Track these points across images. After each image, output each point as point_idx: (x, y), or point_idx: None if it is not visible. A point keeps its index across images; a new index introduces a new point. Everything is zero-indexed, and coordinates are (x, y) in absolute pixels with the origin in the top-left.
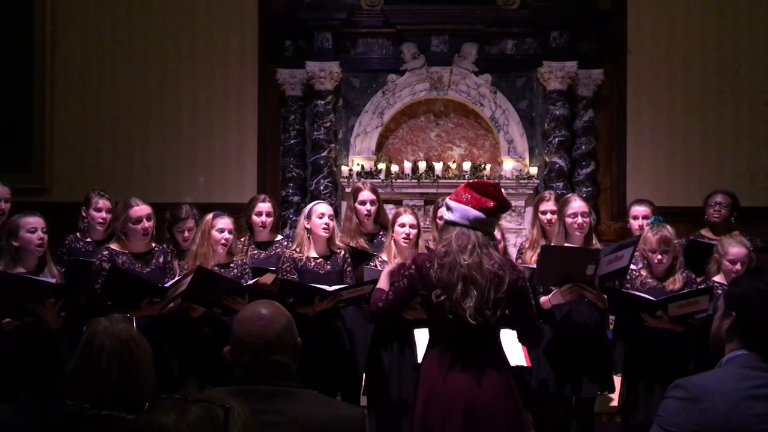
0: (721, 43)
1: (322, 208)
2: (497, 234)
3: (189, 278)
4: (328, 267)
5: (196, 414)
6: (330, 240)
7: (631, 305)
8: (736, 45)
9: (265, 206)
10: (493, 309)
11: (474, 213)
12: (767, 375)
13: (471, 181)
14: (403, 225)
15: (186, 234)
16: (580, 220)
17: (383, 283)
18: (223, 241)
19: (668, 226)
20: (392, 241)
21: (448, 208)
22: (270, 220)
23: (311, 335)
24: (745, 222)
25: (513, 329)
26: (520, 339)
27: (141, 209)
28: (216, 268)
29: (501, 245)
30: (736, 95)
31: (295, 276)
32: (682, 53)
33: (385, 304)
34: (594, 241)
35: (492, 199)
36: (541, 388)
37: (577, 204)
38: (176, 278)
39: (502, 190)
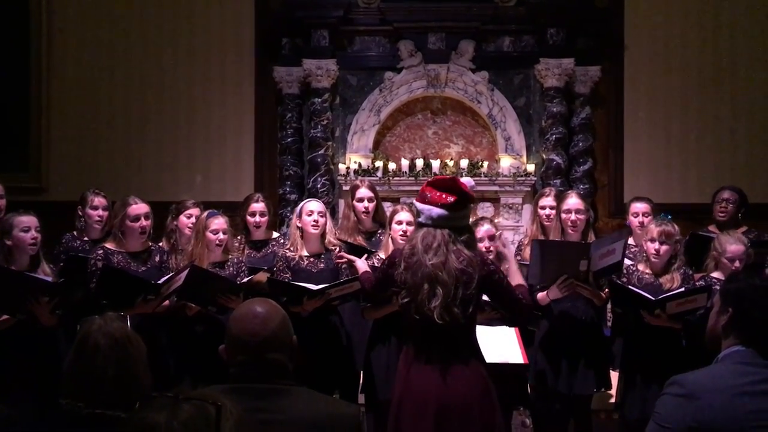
0: (718, 39)
1: (311, 205)
2: (492, 230)
3: (183, 274)
4: (322, 265)
5: (187, 412)
6: (323, 237)
7: (632, 301)
8: (733, 40)
9: (258, 206)
10: (462, 306)
11: (437, 211)
12: (764, 371)
13: (430, 179)
14: (400, 222)
15: (194, 220)
16: (573, 216)
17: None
18: (217, 242)
19: (674, 224)
20: (390, 239)
21: (417, 212)
22: (264, 219)
23: (309, 333)
24: (747, 218)
25: (504, 322)
26: (510, 322)
27: (139, 207)
28: (211, 267)
29: (497, 243)
30: (733, 91)
31: (288, 275)
32: (680, 49)
33: (371, 288)
34: (590, 238)
35: (451, 194)
36: (538, 385)
37: (572, 201)
38: (170, 275)
39: (467, 181)
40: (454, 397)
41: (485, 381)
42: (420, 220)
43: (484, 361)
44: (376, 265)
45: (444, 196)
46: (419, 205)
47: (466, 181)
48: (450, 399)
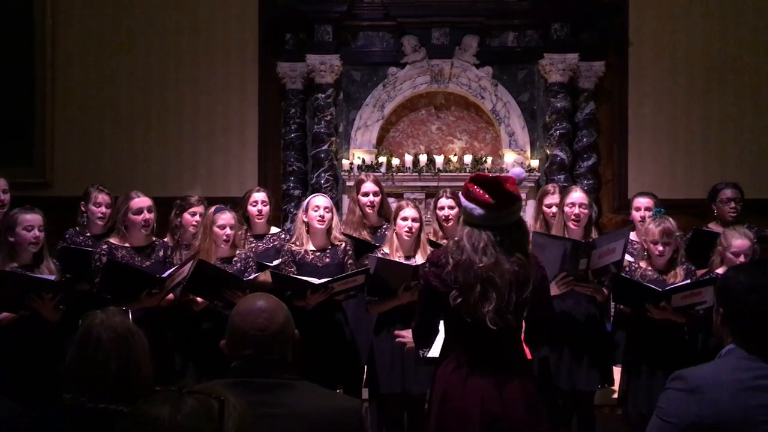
0: (724, 34)
1: (318, 200)
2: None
3: (187, 266)
4: (327, 260)
5: (191, 406)
6: (329, 232)
7: (637, 294)
8: (738, 35)
9: (259, 195)
10: (515, 312)
11: (478, 211)
12: (767, 366)
13: (474, 174)
14: (405, 218)
15: (198, 218)
16: (577, 210)
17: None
18: (224, 237)
19: (670, 218)
20: (394, 234)
21: (460, 204)
22: (266, 209)
23: (313, 328)
24: (748, 214)
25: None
26: (527, 339)
27: (142, 200)
28: (219, 262)
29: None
30: (738, 86)
31: (293, 269)
32: (684, 44)
33: (418, 324)
34: (593, 234)
35: (490, 193)
36: (541, 381)
37: (576, 195)
38: (173, 268)
39: (517, 173)
40: (501, 409)
41: (534, 396)
42: (464, 216)
43: (533, 373)
44: (381, 257)
45: (483, 194)
46: (463, 201)
47: (516, 173)
48: (497, 410)
